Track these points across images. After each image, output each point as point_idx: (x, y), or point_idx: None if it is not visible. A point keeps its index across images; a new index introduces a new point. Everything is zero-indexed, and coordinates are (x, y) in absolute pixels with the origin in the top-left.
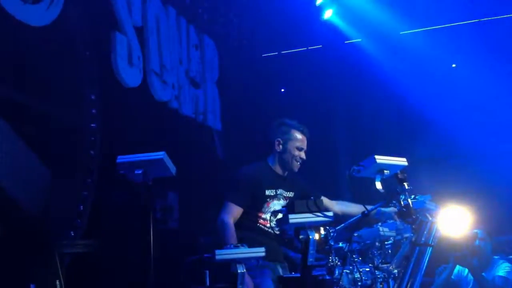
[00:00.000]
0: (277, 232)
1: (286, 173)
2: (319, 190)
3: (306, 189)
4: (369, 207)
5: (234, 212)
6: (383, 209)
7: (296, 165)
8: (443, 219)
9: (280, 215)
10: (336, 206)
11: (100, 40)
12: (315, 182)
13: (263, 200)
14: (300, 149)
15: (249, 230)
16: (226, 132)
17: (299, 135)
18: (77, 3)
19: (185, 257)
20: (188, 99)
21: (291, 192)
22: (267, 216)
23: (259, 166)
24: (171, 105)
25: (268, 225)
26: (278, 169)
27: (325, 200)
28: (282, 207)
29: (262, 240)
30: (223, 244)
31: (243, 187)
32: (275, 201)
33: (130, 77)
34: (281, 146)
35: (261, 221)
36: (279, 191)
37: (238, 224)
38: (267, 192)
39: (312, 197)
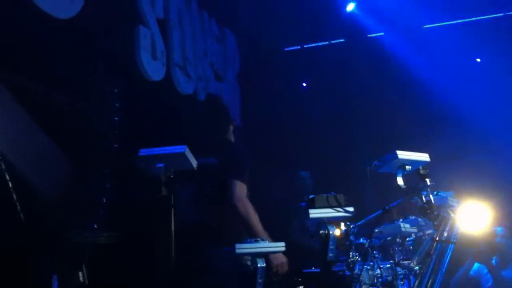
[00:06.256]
0: None
1: None
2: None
3: None
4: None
5: (245, 190)
6: None
7: None
8: (463, 215)
9: None
10: None
11: (124, 34)
12: (337, 177)
13: None
14: None
15: None
16: (245, 127)
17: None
18: None
19: (207, 250)
20: (213, 92)
21: None
22: None
23: None
24: (197, 98)
25: None
26: None
27: None
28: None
29: None
30: (253, 227)
31: (246, 164)
32: None
33: (154, 70)
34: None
35: None
36: None
37: None
38: None
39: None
